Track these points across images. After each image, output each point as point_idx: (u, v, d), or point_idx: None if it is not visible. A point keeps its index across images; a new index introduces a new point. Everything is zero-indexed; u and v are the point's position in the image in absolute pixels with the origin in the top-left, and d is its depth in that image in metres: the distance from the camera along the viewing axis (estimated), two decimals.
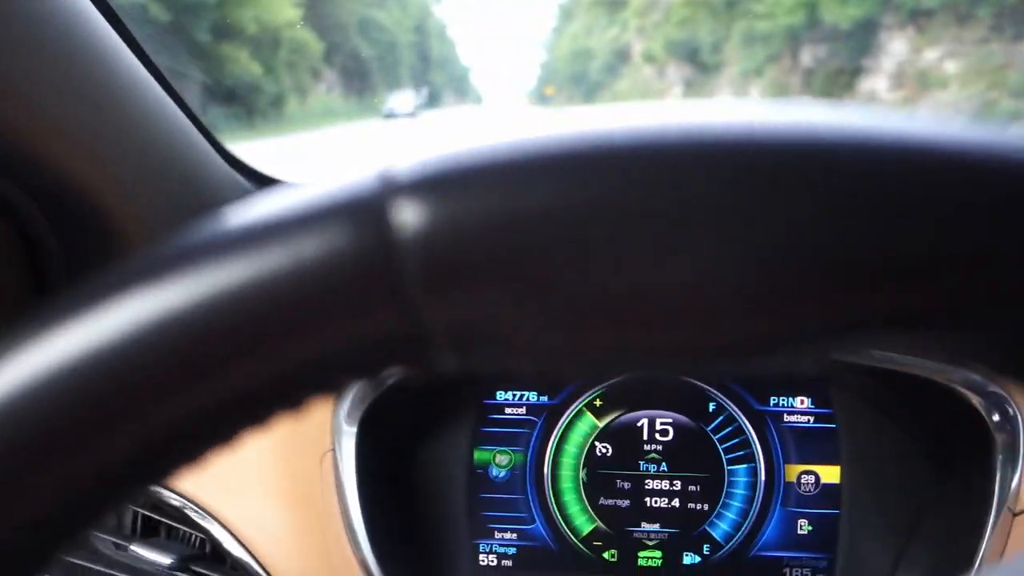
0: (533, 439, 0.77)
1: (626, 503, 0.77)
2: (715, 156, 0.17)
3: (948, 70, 11.84)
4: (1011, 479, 0.63)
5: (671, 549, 0.76)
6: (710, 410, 0.76)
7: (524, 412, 0.78)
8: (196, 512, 0.71)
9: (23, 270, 0.66)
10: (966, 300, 0.17)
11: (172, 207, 0.74)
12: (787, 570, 0.75)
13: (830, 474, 0.75)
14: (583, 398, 0.77)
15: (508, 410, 0.78)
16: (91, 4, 0.67)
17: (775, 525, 0.75)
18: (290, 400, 0.18)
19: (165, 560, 0.71)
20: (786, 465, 0.75)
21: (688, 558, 0.76)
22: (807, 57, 15.10)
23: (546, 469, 0.77)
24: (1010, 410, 0.63)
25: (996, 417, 0.63)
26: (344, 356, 0.17)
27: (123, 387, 0.17)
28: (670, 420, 0.76)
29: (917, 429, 0.71)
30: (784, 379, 0.75)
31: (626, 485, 0.77)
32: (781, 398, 0.75)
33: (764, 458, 0.75)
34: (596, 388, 0.77)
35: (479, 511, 0.77)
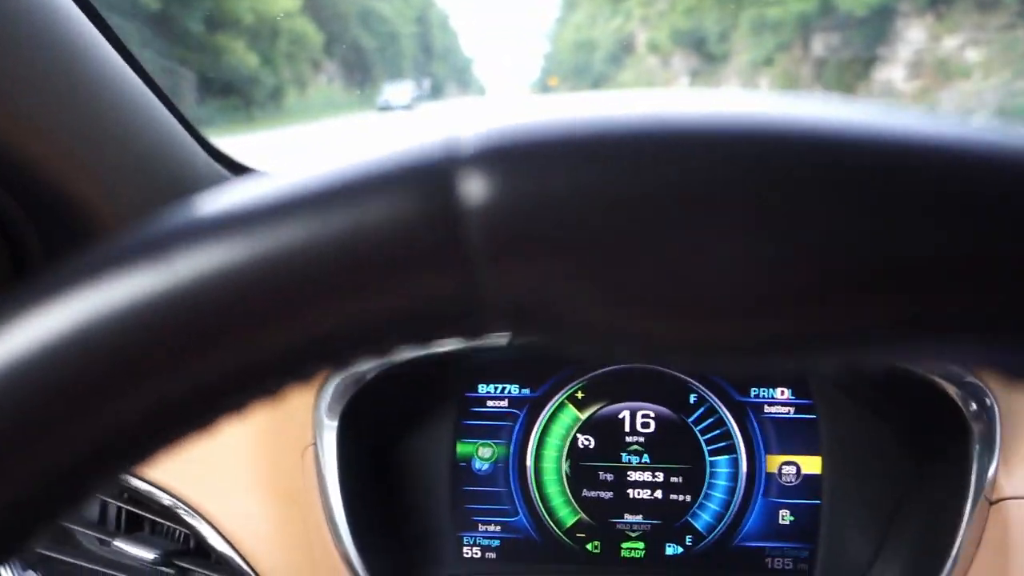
0: (515, 432, 0.78)
1: (609, 495, 0.77)
2: (796, 148, 0.17)
3: (970, 59, 11.35)
4: (987, 468, 0.63)
5: (654, 540, 0.76)
6: (691, 402, 0.76)
7: (506, 405, 0.78)
8: (179, 507, 0.72)
9: (1, 260, 0.67)
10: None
11: (152, 197, 0.74)
12: (769, 560, 0.75)
13: (811, 464, 0.75)
14: (565, 390, 0.77)
15: (490, 403, 0.78)
16: (76, 8, 0.67)
17: (757, 516, 0.75)
18: (339, 359, 0.18)
19: (149, 555, 0.71)
20: (767, 456, 0.75)
21: (671, 549, 0.76)
22: (819, 46, 14.63)
23: (529, 461, 0.77)
24: (987, 400, 0.63)
25: (973, 407, 0.64)
26: (398, 319, 0.18)
27: (174, 342, 0.17)
28: (652, 412, 0.77)
29: (896, 419, 0.72)
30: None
31: (609, 477, 0.77)
32: (762, 389, 0.76)
33: (745, 449, 0.75)
34: (578, 380, 0.77)
35: (462, 504, 0.78)
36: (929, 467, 0.69)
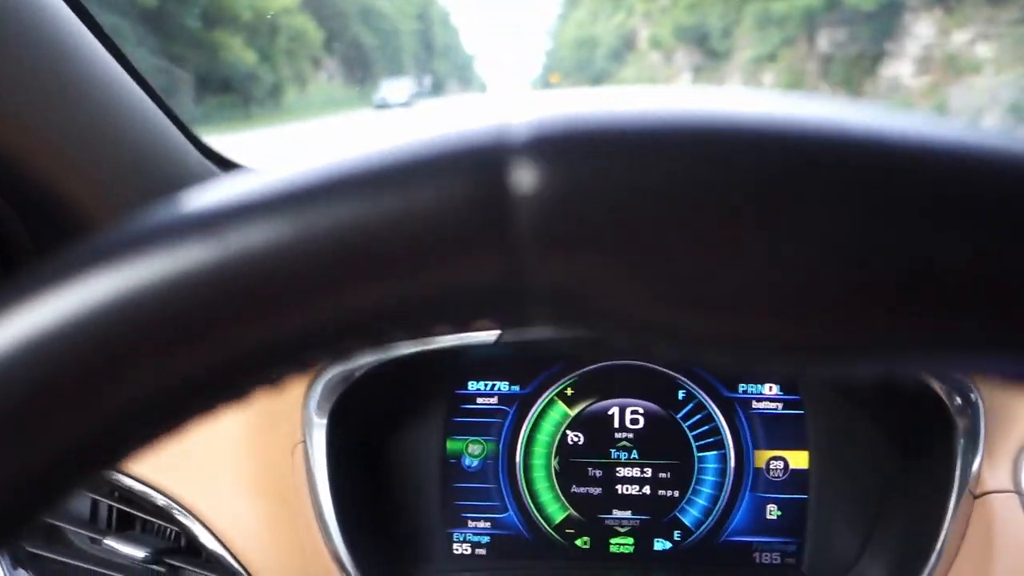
0: (505, 428, 0.78)
1: (598, 491, 0.77)
2: (858, 152, 0.17)
3: (980, 54, 11.04)
4: (972, 462, 0.64)
5: (642, 535, 0.77)
6: (680, 398, 0.76)
7: (496, 402, 0.78)
8: (171, 506, 0.72)
9: None
10: None
11: (142, 195, 0.74)
12: (757, 555, 0.76)
13: (798, 459, 0.75)
14: (554, 387, 0.78)
15: (480, 400, 0.78)
16: (65, 5, 0.67)
17: (745, 511, 0.76)
18: (375, 337, 0.18)
19: (140, 553, 0.71)
20: (755, 451, 0.76)
21: (659, 544, 0.77)
22: (824, 41, 14.35)
23: (518, 458, 0.78)
24: (971, 395, 0.64)
25: (958, 402, 0.64)
26: (439, 301, 0.18)
27: (215, 314, 0.17)
28: (640, 408, 0.77)
29: (882, 414, 0.72)
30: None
31: (598, 473, 0.77)
32: (750, 385, 0.76)
33: (733, 444, 0.76)
34: (567, 377, 0.78)
35: (452, 500, 0.78)
36: (914, 461, 0.69)
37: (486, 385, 0.78)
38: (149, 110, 0.76)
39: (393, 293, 0.17)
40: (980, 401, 0.63)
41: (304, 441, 0.70)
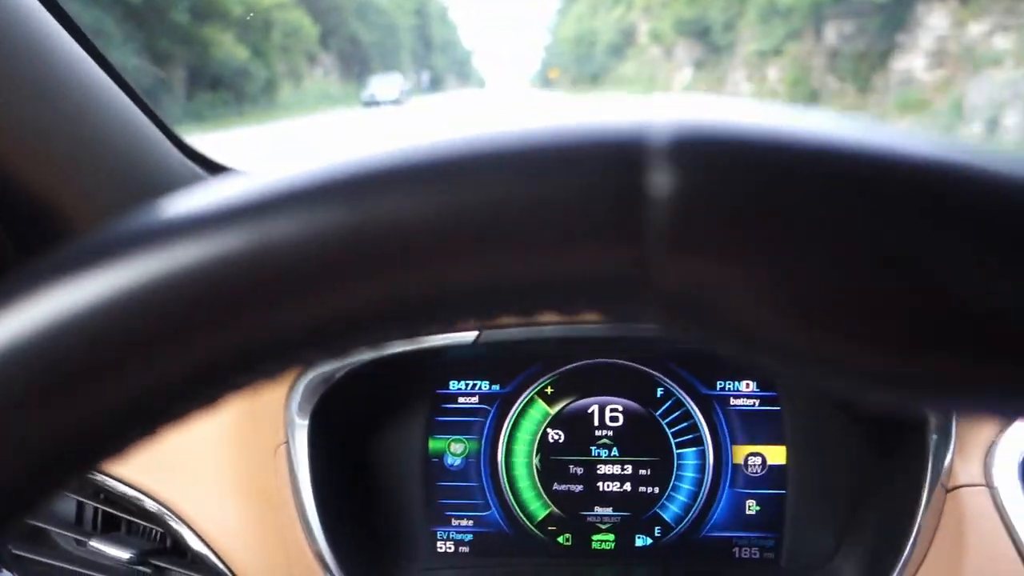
0: (486, 427, 0.79)
1: (579, 488, 0.78)
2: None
3: (999, 46, 10.52)
4: (944, 457, 0.65)
5: (624, 532, 0.78)
6: (658, 395, 0.77)
7: (477, 401, 0.79)
8: (155, 507, 0.72)
9: None
10: None
11: (123, 196, 0.74)
12: (736, 550, 0.77)
13: (776, 455, 0.76)
14: (534, 386, 0.78)
15: (461, 399, 0.79)
16: (40, 5, 0.67)
17: (724, 506, 0.77)
18: (484, 313, 0.19)
19: (125, 555, 0.72)
20: (733, 447, 0.77)
21: (640, 540, 0.78)
22: (832, 34, 13.86)
23: (500, 456, 0.79)
24: None
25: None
26: (563, 284, 0.18)
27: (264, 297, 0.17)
28: (620, 406, 0.78)
29: (856, 410, 0.73)
30: (730, 363, 0.77)
31: (579, 470, 0.78)
32: (727, 382, 0.77)
33: (712, 441, 0.77)
34: (547, 376, 0.78)
35: (435, 499, 0.79)
36: (889, 456, 0.70)
37: (467, 385, 0.79)
38: (130, 112, 0.77)
39: (522, 272, 0.18)
40: None
41: (287, 442, 0.71)
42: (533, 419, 0.78)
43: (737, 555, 0.77)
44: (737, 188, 0.17)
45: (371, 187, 0.18)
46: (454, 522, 0.79)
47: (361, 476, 0.77)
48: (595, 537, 0.78)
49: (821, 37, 14.15)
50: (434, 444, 0.79)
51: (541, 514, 0.78)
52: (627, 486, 0.78)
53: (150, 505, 0.72)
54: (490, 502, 0.79)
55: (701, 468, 0.77)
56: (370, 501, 0.77)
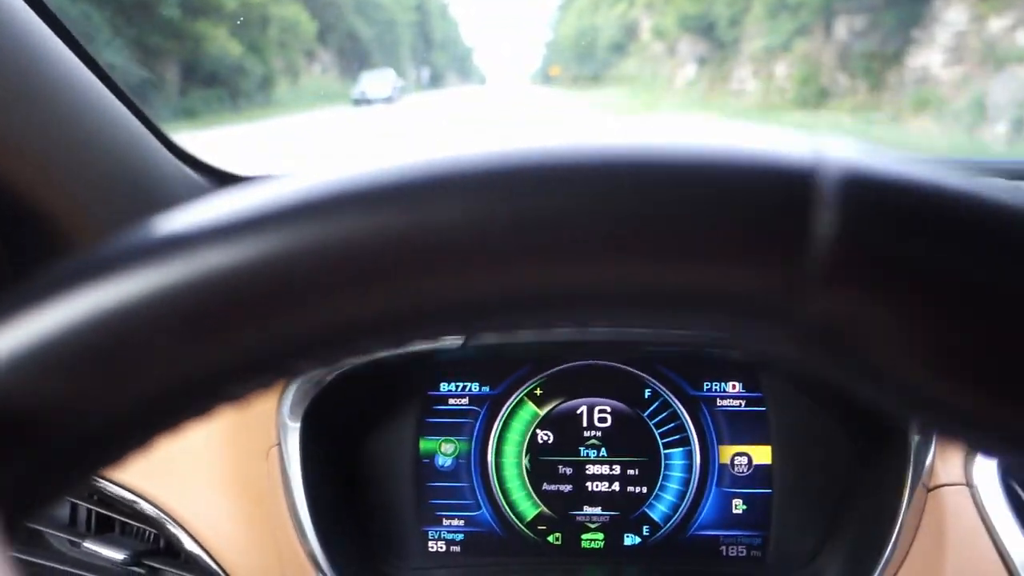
0: (477, 428, 0.80)
1: (568, 488, 0.79)
2: None
3: (1022, 42, 10.04)
4: (925, 457, 0.66)
5: (612, 531, 0.79)
6: (646, 396, 0.78)
7: (467, 402, 0.80)
8: (148, 508, 0.73)
9: None
10: None
11: (120, 206, 0.75)
12: (723, 548, 0.78)
13: (762, 455, 0.77)
14: (524, 388, 0.79)
15: (452, 401, 0.80)
16: (25, 5, 0.67)
17: (711, 505, 0.78)
18: (643, 312, 0.19)
19: (119, 555, 0.73)
20: (720, 447, 0.78)
21: (629, 539, 0.79)
22: (842, 30, 13.40)
23: (490, 457, 0.80)
24: None
25: None
26: (710, 297, 0.18)
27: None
28: (608, 407, 0.79)
29: (840, 410, 0.74)
30: (716, 365, 0.78)
31: (568, 471, 0.79)
32: (714, 383, 0.78)
33: (699, 441, 0.78)
34: (536, 378, 0.79)
35: (426, 499, 0.80)
36: (872, 457, 0.72)
37: (457, 386, 0.80)
38: (123, 118, 0.77)
39: (682, 273, 0.18)
40: None
41: (279, 444, 0.72)
42: (523, 420, 0.79)
43: (724, 553, 0.78)
44: (899, 235, 0.17)
45: (539, 194, 0.18)
46: (445, 522, 0.80)
47: (353, 477, 0.78)
48: (584, 536, 0.79)
49: (831, 33, 13.74)
50: (425, 445, 0.80)
51: (531, 514, 0.79)
52: (615, 486, 0.79)
53: (144, 506, 0.73)
54: (480, 502, 0.80)
55: (688, 468, 0.78)
56: (362, 502, 0.78)
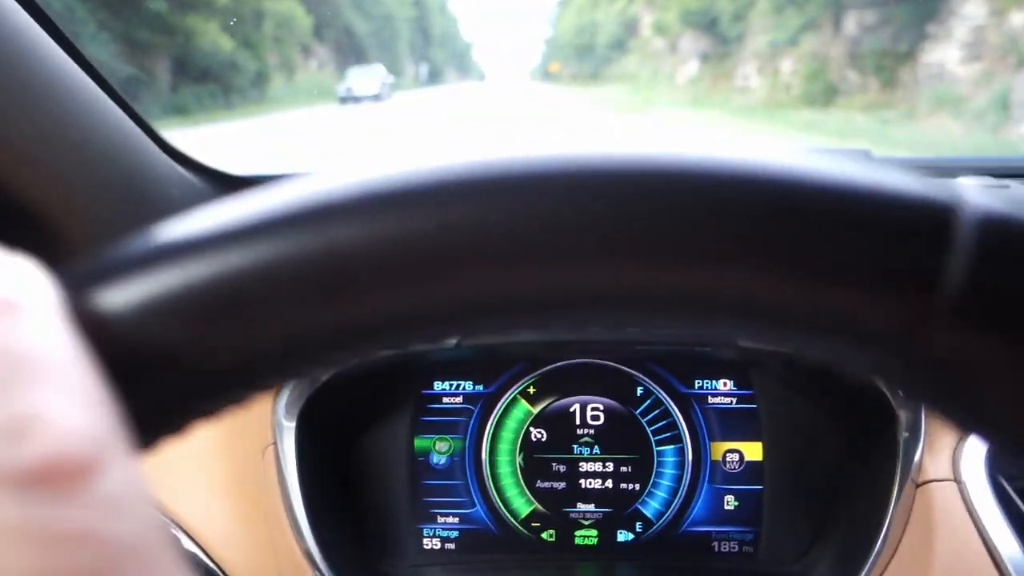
0: (471, 426, 0.80)
1: (562, 485, 0.80)
2: None
3: None
4: (914, 453, 0.67)
5: (606, 528, 0.80)
6: (638, 394, 0.79)
7: (461, 401, 0.80)
8: None
9: None
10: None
11: (114, 207, 0.75)
12: (716, 544, 0.79)
13: (753, 451, 0.78)
14: (517, 386, 0.80)
15: (446, 399, 0.80)
16: (17, 5, 0.67)
17: (703, 502, 0.79)
18: (761, 324, 0.20)
19: None
20: (712, 444, 0.78)
21: (622, 536, 0.80)
22: (852, 24, 13.06)
23: (484, 455, 0.80)
24: None
25: (900, 395, 0.67)
26: (843, 320, 0.19)
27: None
28: (601, 405, 0.79)
29: (830, 408, 0.75)
30: (708, 363, 0.79)
31: (561, 468, 0.80)
32: (705, 381, 0.79)
33: (691, 438, 0.78)
34: (530, 376, 0.80)
35: (421, 497, 0.80)
36: (861, 453, 0.72)
37: (451, 385, 0.80)
38: (121, 122, 0.77)
39: (805, 296, 0.19)
40: None
41: (275, 443, 0.72)
42: (516, 418, 0.80)
43: (716, 549, 0.79)
44: None
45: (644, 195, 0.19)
46: (440, 519, 0.80)
47: (348, 476, 0.79)
48: (578, 533, 0.80)
49: (840, 27, 13.42)
50: (420, 443, 0.80)
51: (525, 511, 0.80)
52: (609, 483, 0.79)
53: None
54: (475, 500, 0.80)
55: (680, 465, 0.79)
56: (357, 500, 0.79)
